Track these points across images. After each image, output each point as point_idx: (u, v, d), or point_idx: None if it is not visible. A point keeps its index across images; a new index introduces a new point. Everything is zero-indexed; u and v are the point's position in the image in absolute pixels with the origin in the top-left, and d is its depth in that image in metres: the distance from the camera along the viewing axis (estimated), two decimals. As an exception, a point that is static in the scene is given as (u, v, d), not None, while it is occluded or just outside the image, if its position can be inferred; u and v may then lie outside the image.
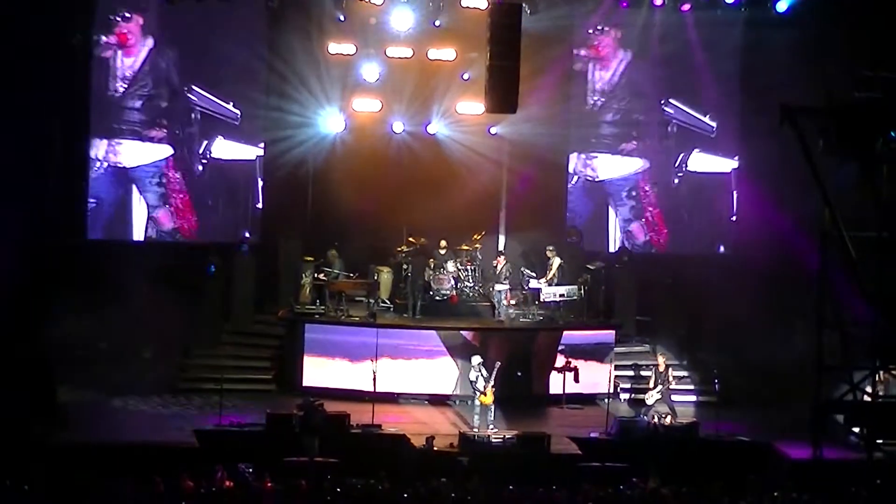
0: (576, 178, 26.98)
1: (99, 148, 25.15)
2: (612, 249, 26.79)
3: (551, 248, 25.09)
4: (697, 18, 25.67)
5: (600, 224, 27.04)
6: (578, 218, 26.91)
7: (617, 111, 26.76)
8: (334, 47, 24.97)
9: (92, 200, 25.15)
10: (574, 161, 26.90)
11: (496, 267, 24.92)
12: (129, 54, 25.10)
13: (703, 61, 26.02)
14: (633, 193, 26.94)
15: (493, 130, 25.98)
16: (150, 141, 25.49)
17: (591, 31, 26.28)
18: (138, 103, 25.32)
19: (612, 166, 27.00)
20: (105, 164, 25.24)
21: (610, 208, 27.05)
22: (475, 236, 25.72)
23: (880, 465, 19.11)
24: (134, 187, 25.61)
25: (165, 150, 25.66)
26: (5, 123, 22.03)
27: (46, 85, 22.97)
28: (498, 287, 24.72)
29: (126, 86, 25.12)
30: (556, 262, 24.83)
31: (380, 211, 25.89)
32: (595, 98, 26.65)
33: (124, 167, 25.43)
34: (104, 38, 24.73)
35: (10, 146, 22.08)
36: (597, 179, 27.03)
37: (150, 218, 25.63)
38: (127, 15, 24.90)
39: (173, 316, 24.02)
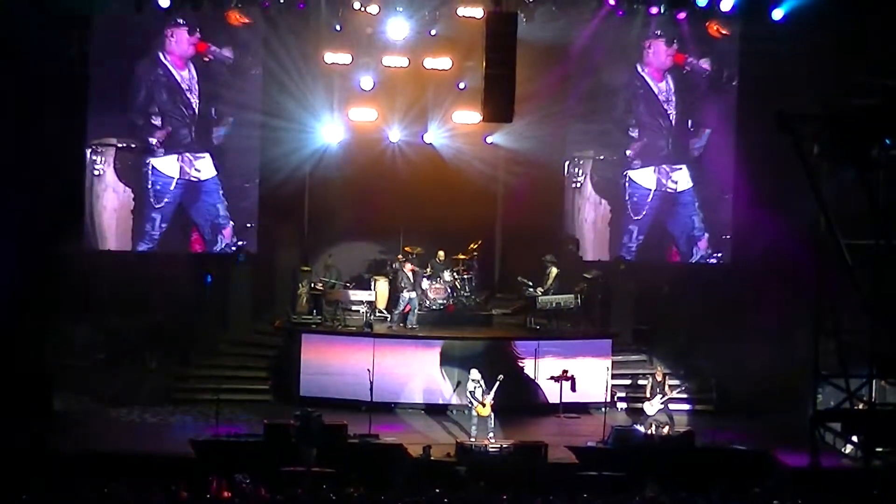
0: (653, 191, 26.42)
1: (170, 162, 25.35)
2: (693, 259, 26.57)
3: (549, 257, 25.08)
4: (693, 26, 25.71)
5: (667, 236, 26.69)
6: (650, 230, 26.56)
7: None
8: (330, 57, 24.95)
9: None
10: (653, 176, 26.36)
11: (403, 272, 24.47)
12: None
13: (700, 70, 26.06)
14: (698, 204, 26.56)
15: (489, 139, 25.95)
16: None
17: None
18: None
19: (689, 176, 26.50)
20: (177, 178, 25.34)
21: (670, 220, 26.60)
22: (471, 246, 25.70)
23: (878, 474, 19.11)
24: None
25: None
26: (7, 131, 22.04)
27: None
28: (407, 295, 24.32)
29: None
30: (554, 271, 24.80)
31: (376, 220, 25.91)
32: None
33: (199, 180, 25.53)
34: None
35: (10, 153, 22.08)
36: (678, 191, 26.53)
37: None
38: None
39: (171, 326, 24.07)
